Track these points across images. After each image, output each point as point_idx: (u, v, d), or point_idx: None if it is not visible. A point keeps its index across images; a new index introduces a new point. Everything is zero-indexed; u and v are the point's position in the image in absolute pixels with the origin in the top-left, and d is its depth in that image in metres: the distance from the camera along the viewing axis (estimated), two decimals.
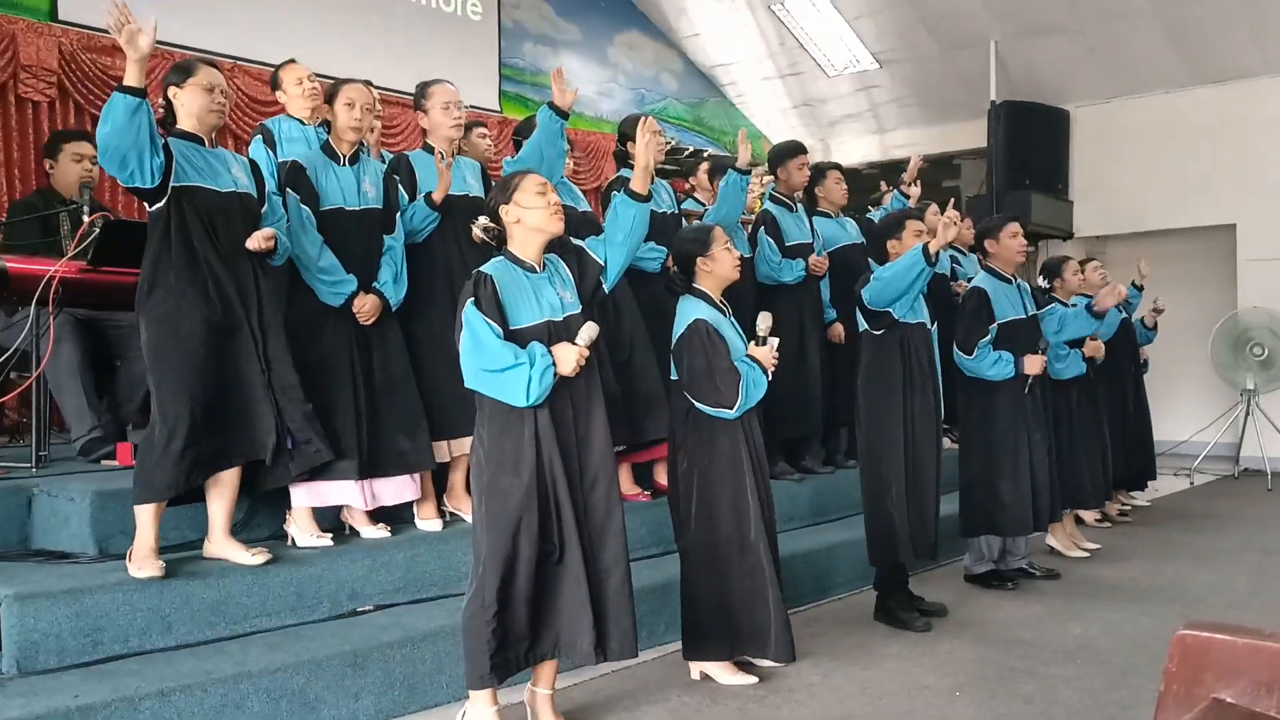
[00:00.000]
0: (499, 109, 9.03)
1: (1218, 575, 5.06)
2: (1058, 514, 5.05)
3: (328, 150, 3.82)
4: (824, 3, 9.81)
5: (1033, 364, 4.61)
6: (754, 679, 3.50)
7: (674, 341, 3.49)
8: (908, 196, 5.96)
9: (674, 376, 3.51)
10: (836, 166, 5.90)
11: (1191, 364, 9.07)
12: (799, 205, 5.47)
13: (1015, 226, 4.83)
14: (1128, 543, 5.91)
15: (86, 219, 4.00)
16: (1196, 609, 4.42)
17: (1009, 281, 4.80)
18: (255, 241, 3.38)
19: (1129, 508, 6.90)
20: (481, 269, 2.91)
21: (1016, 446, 4.64)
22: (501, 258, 2.97)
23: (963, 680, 3.52)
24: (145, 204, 3.29)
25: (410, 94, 4.32)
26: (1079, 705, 3.28)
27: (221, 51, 7.04)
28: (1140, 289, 6.75)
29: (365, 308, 3.71)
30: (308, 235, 3.65)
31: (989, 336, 4.60)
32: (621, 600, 2.98)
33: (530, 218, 2.94)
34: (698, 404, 3.42)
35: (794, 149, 5.49)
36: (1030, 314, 4.81)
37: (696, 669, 3.55)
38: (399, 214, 3.92)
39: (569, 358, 2.84)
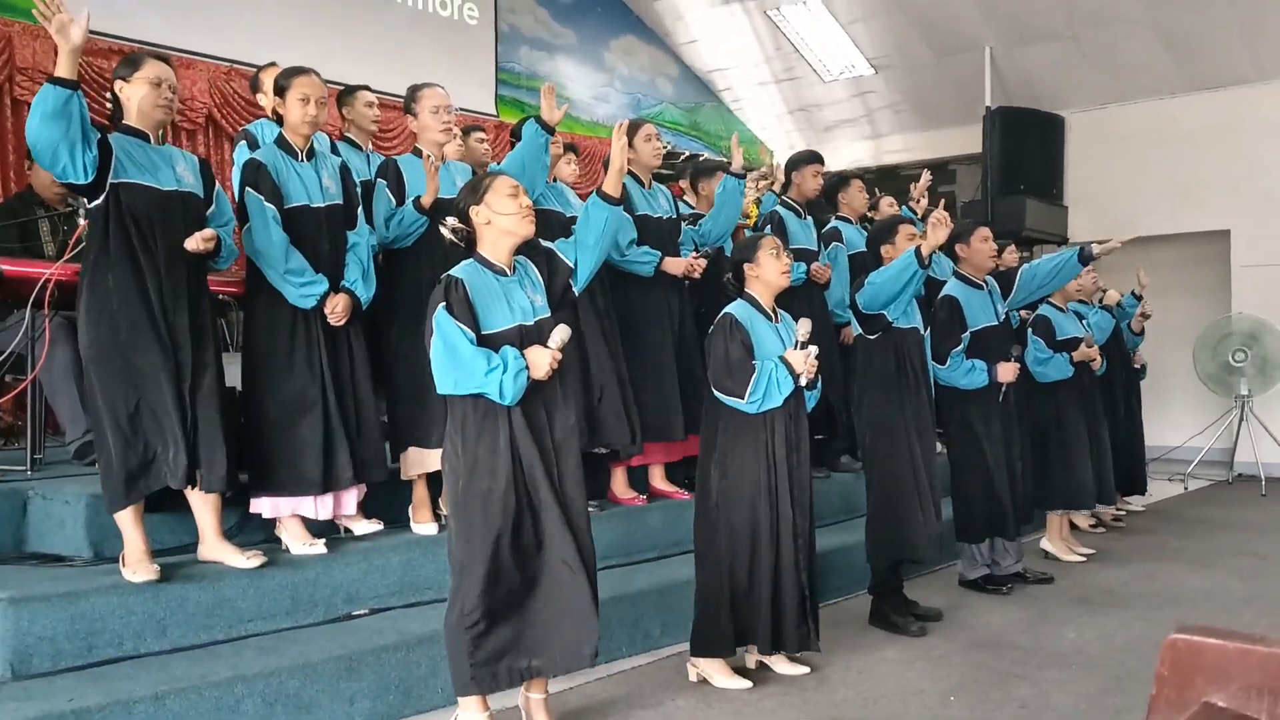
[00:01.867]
0: (495, 113, 9.03)
1: (1211, 580, 5.08)
2: (1031, 517, 5.06)
3: (284, 146, 3.66)
4: (820, 8, 9.83)
5: (1005, 371, 4.60)
6: (749, 683, 3.51)
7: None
8: (915, 211, 6.02)
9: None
10: (860, 176, 5.96)
11: (1185, 370, 9.09)
12: (808, 214, 5.52)
13: (985, 231, 4.83)
14: (1122, 548, 5.92)
15: (82, 222, 3.99)
16: (1190, 614, 4.43)
17: (980, 287, 4.81)
18: (194, 242, 3.26)
19: (1124, 513, 6.92)
20: (451, 273, 2.87)
21: (992, 452, 4.64)
22: (471, 260, 2.95)
23: (957, 684, 3.53)
24: (84, 200, 3.21)
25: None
26: (1072, 710, 3.29)
27: (217, 55, 7.07)
28: (1139, 298, 6.76)
29: (338, 308, 3.58)
30: (273, 235, 3.49)
31: (961, 345, 4.60)
32: (596, 604, 2.99)
33: (501, 220, 2.93)
34: (716, 392, 3.48)
35: (810, 157, 5.59)
36: (1001, 320, 4.82)
37: (694, 671, 3.56)
38: (359, 209, 3.83)
39: (542, 361, 2.83)
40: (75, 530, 3.44)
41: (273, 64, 4.54)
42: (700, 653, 3.54)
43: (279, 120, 3.71)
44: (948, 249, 5.03)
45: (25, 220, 4.40)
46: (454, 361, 2.77)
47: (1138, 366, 7.14)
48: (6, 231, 4.35)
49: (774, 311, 3.62)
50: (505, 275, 2.95)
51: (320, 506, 3.66)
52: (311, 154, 3.71)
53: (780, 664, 3.65)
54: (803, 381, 3.47)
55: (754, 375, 3.39)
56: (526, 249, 3.08)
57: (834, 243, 5.61)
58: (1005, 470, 4.66)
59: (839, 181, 5.75)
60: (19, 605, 2.90)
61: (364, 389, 3.72)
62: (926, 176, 6.29)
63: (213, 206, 3.43)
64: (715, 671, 3.53)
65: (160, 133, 3.37)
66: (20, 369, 3.94)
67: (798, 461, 3.53)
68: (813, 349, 3.48)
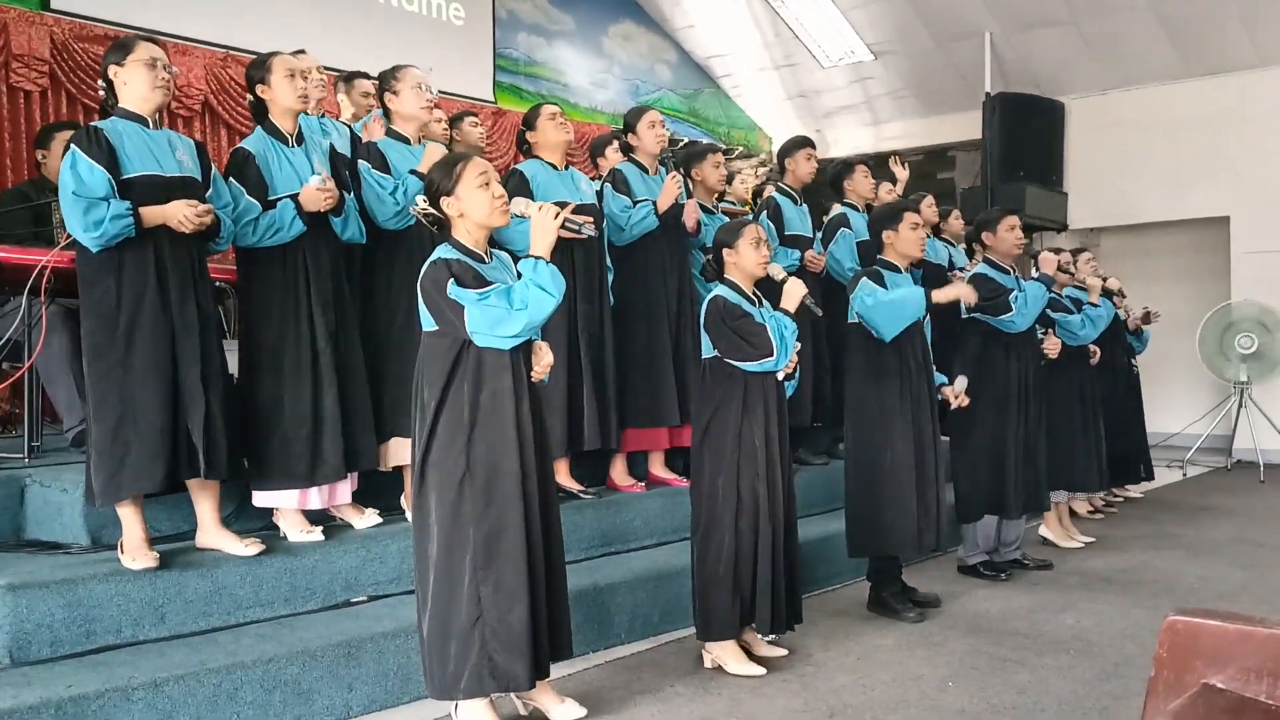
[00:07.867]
0: (493, 100, 8.99)
1: (1210, 567, 5.08)
2: (1046, 502, 5.08)
3: (273, 132, 3.56)
4: None
5: (1046, 262, 4.83)
6: (762, 670, 3.50)
7: (701, 322, 3.57)
8: (895, 180, 6.06)
9: (705, 354, 3.55)
10: (865, 162, 5.94)
11: (1185, 357, 9.08)
12: (803, 200, 5.50)
13: (1013, 219, 4.84)
14: (1120, 534, 5.92)
15: None
16: (1188, 600, 4.44)
17: (1007, 273, 4.81)
18: (183, 209, 3.11)
19: (1121, 499, 6.92)
20: (440, 257, 2.82)
21: (1004, 435, 4.66)
22: (447, 245, 2.89)
23: (955, 670, 3.54)
24: None
25: None
26: (1071, 695, 3.29)
27: (213, 41, 7.06)
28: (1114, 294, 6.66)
29: (311, 193, 3.45)
30: (253, 221, 3.45)
31: (1013, 293, 4.63)
32: (567, 602, 3.04)
33: (473, 211, 2.87)
34: (742, 366, 3.48)
35: (801, 142, 5.59)
36: None
37: (709, 658, 3.56)
38: (349, 192, 3.72)
39: (549, 225, 2.85)
40: (73, 518, 3.44)
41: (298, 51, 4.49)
42: (712, 637, 3.53)
43: (261, 110, 3.58)
44: (974, 237, 5.05)
45: (39, 204, 4.38)
46: (484, 308, 2.75)
47: (1135, 329, 6.99)
48: (18, 218, 4.35)
49: (756, 297, 3.62)
50: (484, 262, 2.92)
51: (315, 498, 3.64)
52: (300, 139, 3.62)
53: (761, 646, 3.68)
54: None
55: (768, 330, 3.45)
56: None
57: (841, 229, 5.52)
58: (1015, 452, 4.67)
59: (844, 168, 5.72)
60: (17, 592, 2.89)
61: (359, 378, 3.70)
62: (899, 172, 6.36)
63: (210, 190, 3.35)
64: (729, 658, 3.52)
65: (156, 116, 3.30)
66: (17, 356, 3.93)
67: (782, 440, 3.57)
68: (802, 292, 3.58)
